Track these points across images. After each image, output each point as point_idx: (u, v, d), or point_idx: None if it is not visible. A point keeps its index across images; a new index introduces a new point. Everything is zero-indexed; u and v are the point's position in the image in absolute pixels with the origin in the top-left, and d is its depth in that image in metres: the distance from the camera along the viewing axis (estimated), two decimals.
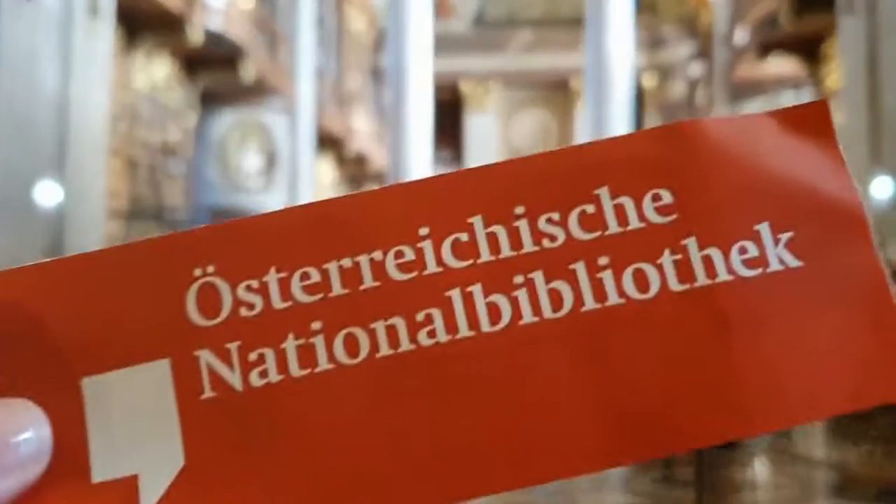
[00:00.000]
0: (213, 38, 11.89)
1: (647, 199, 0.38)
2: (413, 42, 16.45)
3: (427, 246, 0.37)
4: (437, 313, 0.37)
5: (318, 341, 0.36)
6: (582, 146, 0.39)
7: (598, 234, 0.37)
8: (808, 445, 7.12)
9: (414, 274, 0.37)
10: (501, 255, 0.37)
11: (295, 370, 0.36)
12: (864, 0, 7.35)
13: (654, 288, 0.37)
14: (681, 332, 0.36)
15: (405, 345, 0.36)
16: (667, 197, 0.38)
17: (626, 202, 0.38)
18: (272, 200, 15.03)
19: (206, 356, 0.36)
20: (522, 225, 0.38)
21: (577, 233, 0.37)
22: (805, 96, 11.92)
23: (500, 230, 0.38)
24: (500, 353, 0.36)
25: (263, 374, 0.36)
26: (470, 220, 0.38)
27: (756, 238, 0.37)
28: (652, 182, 0.38)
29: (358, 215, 0.38)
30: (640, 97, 24.87)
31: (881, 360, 0.36)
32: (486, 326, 0.36)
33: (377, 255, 0.37)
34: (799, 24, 10.43)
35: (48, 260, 0.37)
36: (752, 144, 0.39)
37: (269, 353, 0.36)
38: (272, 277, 0.37)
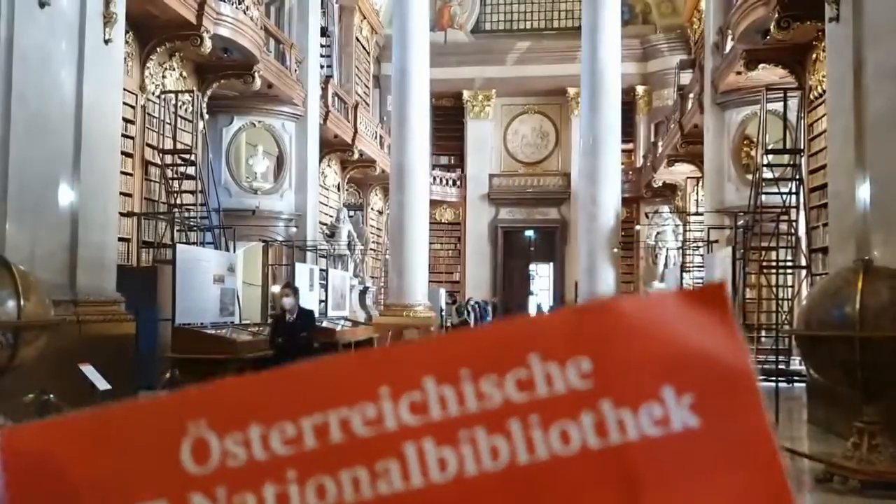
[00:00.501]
0: (224, 46, 12.11)
1: (570, 365, 0.42)
2: (415, 51, 16.66)
3: (386, 404, 0.41)
4: (394, 465, 0.40)
5: (293, 489, 0.39)
6: (517, 320, 0.43)
7: (529, 395, 0.41)
8: (794, 439, 7.21)
9: (375, 429, 0.40)
10: (449, 412, 0.41)
11: None
12: (851, 9, 7.40)
13: (576, 444, 0.41)
14: (597, 489, 0.40)
15: (367, 493, 0.39)
16: (586, 364, 0.42)
17: (553, 368, 0.42)
18: (280, 202, 15.25)
19: (198, 500, 0.39)
20: (467, 386, 0.41)
21: (513, 393, 0.41)
22: (793, 103, 12.03)
23: (448, 390, 0.41)
24: (448, 503, 0.40)
25: None
26: (423, 381, 0.41)
27: (661, 400, 0.41)
28: (575, 350, 0.42)
29: (328, 377, 0.42)
30: (632, 104, 25.09)
31: None
32: (435, 476, 0.40)
33: (344, 412, 0.40)
34: (787, 33, 10.56)
35: (66, 417, 0.41)
36: (660, 319, 0.43)
37: (251, 499, 0.39)
38: (254, 431, 0.40)
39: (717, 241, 14.20)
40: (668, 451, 0.40)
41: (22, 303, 5.47)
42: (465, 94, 26.65)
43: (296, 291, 8.84)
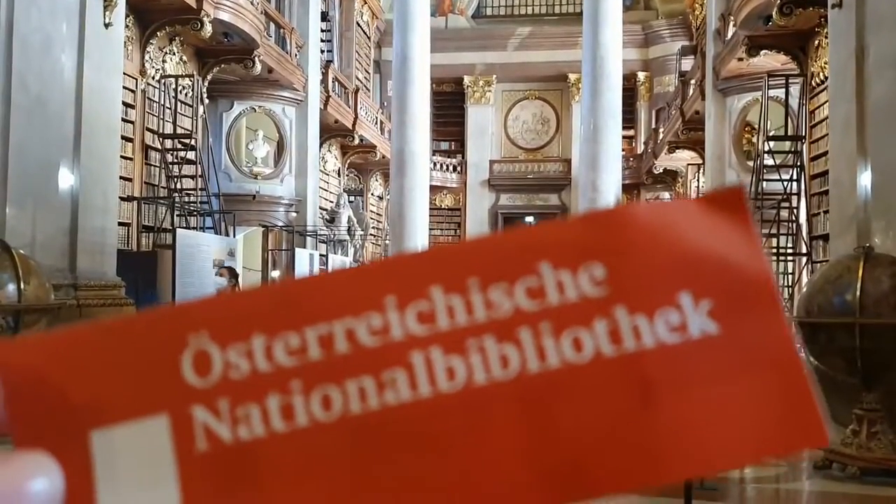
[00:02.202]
0: (224, 30, 12.11)
1: (582, 273, 0.41)
2: (416, 36, 16.67)
3: (393, 314, 0.40)
4: (401, 374, 0.39)
5: (297, 400, 0.39)
6: (527, 228, 0.42)
7: (540, 303, 0.40)
8: None
9: (381, 338, 0.40)
10: (457, 321, 0.40)
11: (277, 425, 0.38)
12: None
13: (589, 352, 0.39)
14: (610, 396, 0.39)
15: (373, 403, 0.39)
16: (599, 270, 0.41)
17: (565, 275, 0.41)
18: (281, 187, 15.26)
19: (199, 412, 0.39)
20: (475, 295, 0.40)
21: (523, 301, 0.40)
22: (794, 90, 12.02)
23: (456, 300, 0.40)
24: (456, 412, 0.39)
25: (250, 428, 0.39)
26: (430, 290, 0.40)
27: (678, 306, 0.40)
28: (587, 257, 0.41)
29: (333, 287, 0.41)
30: (633, 90, 25.10)
31: (791, 415, 0.39)
32: (443, 386, 0.39)
33: (349, 321, 0.40)
34: (789, 19, 10.56)
35: (61, 329, 0.40)
36: (675, 225, 0.41)
37: (255, 410, 0.39)
38: (257, 342, 0.39)
39: None
40: (685, 358, 0.39)
41: (22, 286, 5.50)
42: (466, 80, 26.63)
43: (233, 275, 8.76)
